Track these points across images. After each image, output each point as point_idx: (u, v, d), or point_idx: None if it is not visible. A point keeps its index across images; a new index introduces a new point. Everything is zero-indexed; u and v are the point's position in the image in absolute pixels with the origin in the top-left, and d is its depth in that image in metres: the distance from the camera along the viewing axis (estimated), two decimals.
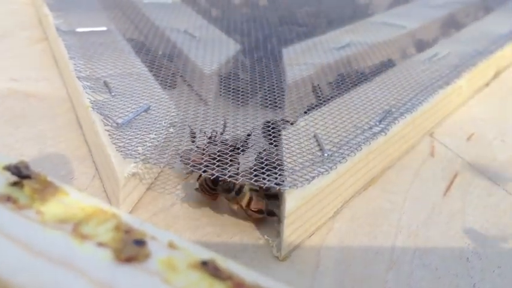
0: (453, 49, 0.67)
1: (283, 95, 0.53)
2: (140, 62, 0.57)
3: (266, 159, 0.40)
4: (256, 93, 0.55)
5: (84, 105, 0.47)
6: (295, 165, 0.39)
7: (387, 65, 0.63)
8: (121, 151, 0.40)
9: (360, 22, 0.79)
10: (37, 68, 0.65)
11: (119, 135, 0.42)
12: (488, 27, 0.78)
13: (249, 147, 0.43)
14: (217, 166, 0.38)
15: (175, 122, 0.45)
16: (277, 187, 0.36)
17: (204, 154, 0.40)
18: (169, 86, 0.54)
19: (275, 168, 0.38)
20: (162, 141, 0.42)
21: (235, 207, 0.39)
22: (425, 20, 0.81)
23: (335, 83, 0.57)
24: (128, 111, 0.46)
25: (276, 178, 0.37)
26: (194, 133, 0.43)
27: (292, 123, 0.46)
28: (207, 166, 0.38)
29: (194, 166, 0.38)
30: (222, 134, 0.44)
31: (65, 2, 0.76)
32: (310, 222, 0.38)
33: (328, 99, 0.51)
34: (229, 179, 0.37)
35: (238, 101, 0.53)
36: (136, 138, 0.42)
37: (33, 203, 0.24)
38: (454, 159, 0.50)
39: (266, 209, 0.39)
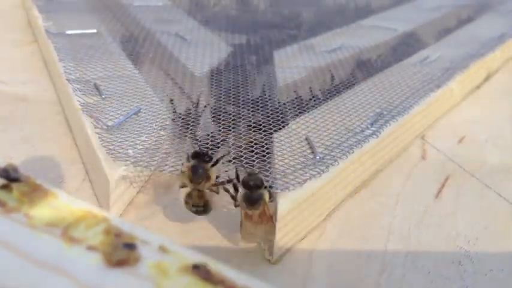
0: (444, 52, 0.67)
1: (274, 98, 0.53)
2: (131, 64, 0.57)
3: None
4: (247, 95, 0.54)
5: (74, 107, 0.47)
6: (287, 168, 0.39)
7: (378, 67, 0.63)
8: (111, 154, 0.39)
9: (351, 25, 0.79)
10: (26, 71, 0.64)
11: (109, 138, 0.41)
12: (479, 30, 0.78)
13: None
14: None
15: (166, 124, 0.45)
16: (270, 190, 0.36)
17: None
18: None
19: (266, 170, 0.38)
20: (153, 143, 0.42)
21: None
22: (417, 23, 0.82)
23: (326, 86, 0.56)
24: (118, 113, 0.45)
25: (268, 181, 0.37)
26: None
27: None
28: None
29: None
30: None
31: (55, 4, 0.76)
32: (302, 226, 0.38)
33: (320, 102, 0.51)
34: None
35: (228, 103, 0.52)
36: (126, 140, 0.41)
37: (21, 206, 0.24)
38: (446, 162, 0.50)
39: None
